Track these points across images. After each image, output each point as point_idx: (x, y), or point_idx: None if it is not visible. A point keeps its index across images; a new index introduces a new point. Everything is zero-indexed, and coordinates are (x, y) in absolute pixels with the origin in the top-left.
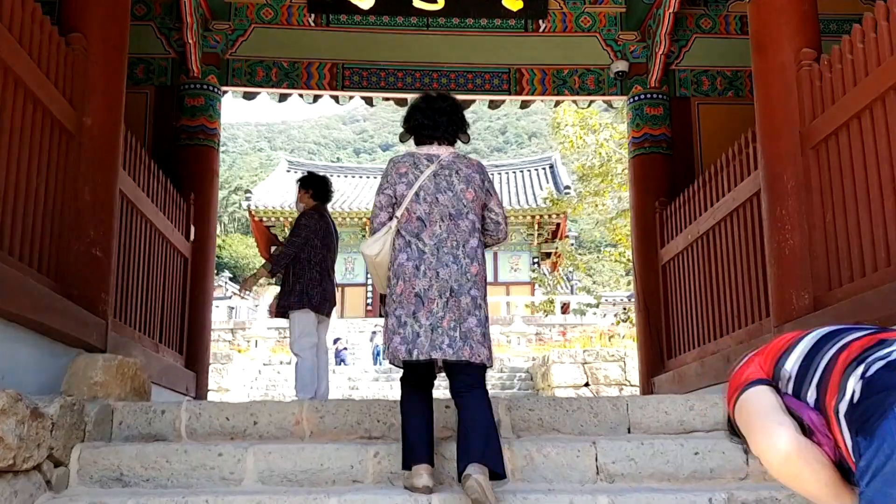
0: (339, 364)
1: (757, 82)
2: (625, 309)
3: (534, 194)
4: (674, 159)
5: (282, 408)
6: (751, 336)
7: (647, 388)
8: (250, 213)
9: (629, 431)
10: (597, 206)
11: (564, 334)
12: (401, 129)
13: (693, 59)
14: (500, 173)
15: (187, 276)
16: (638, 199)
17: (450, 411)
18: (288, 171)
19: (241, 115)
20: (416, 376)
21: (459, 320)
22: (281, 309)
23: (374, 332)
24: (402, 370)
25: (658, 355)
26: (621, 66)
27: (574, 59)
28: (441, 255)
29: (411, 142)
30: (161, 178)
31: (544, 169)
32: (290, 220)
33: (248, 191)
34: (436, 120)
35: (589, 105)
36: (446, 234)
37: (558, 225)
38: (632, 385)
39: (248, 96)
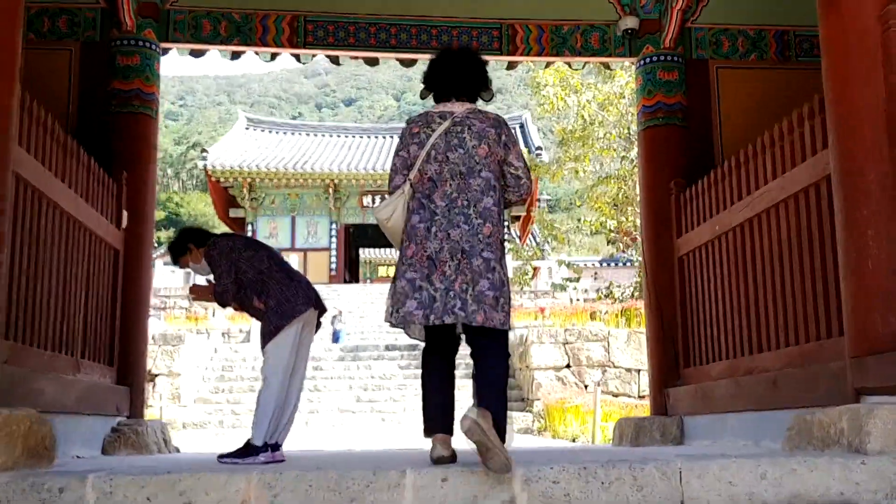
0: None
1: (827, 49)
2: (608, 286)
3: None
4: (689, 132)
5: (223, 483)
6: (807, 358)
7: (661, 399)
8: (206, 172)
9: None
10: (577, 172)
11: (543, 311)
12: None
13: (712, 16)
14: None
15: (118, 271)
16: (649, 178)
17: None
18: (247, 129)
19: (198, 67)
20: (437, 343)
21: (472, 283)
22: (270, 336)
23: (333, 317)
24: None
25: (673, 362)
26: (630, 22)
27: (576, 14)
28: (452, 216)
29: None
30: (82, 157)
31: (514, 129)
32: (248, 180)
33: (203, 149)
34: (453, 76)
35: (583, 66)
36: (457, 192)
37: None
38: (616, 367)
39: (195, 54)
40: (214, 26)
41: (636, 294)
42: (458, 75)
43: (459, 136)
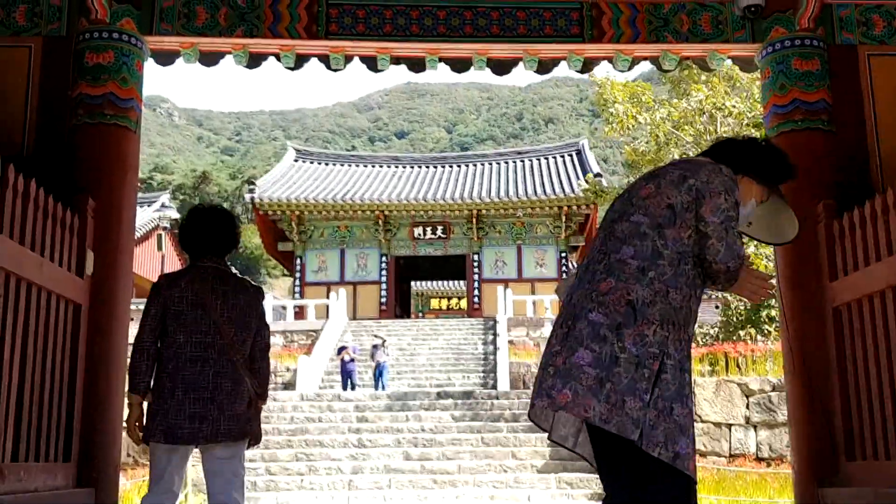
0: (347, 384)
1: None
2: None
3: (560, 183)
4: (836, 139)
5: None
6: None
7: (811, 499)
8: (254, 205)
9: None
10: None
11: None
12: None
13: None
14: (522, 160)
15: (78, 332)
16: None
17: None
18: (295, 161)
19: (254, 102)
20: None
21: (568, 352)
22: (144, 437)
23: (374, 347)
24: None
25: (828, 449)
26: None
27: None
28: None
29: None
30: (15, 185)
31: (570, 155)
32: (296, 212)
33: (251, 182)
34: None
35: (677, 66)
36: (600, 244)
37: (588, 216)
38: (703, 421)
39: (205, 60)
40: (212, 14)
41: (721, 336)
42: None
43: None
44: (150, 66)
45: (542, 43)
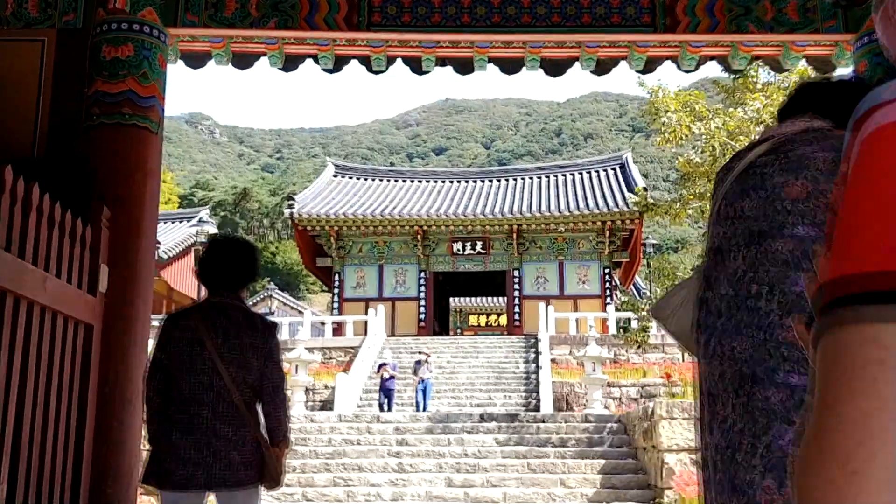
0: (384, 403)
1: None
2: None
3: (603, 197)
4: None
5: None
6: None
7: None
8: (293, 220)
9: None
10: (703, 212)
11: (669, 377)
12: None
13: None
14: (563, 174)
15: (90, 357)
16: None
17: None
18: (335, 177)
19: (294, 120)
20: None
21: (760, 433)
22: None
23: (417, 363)
24: None
25: None
26: None
27: None
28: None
29: None
30: (14, 190)
31: (613, 169)
32: (335, 228)
33: (290, 197)
34: None
35: (746, 63)
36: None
37: (632, 231)
38: None
39: (239, 63)
40: (242, 4)
41: None
42: None
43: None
44: (190, 80)
45: (608, 33)
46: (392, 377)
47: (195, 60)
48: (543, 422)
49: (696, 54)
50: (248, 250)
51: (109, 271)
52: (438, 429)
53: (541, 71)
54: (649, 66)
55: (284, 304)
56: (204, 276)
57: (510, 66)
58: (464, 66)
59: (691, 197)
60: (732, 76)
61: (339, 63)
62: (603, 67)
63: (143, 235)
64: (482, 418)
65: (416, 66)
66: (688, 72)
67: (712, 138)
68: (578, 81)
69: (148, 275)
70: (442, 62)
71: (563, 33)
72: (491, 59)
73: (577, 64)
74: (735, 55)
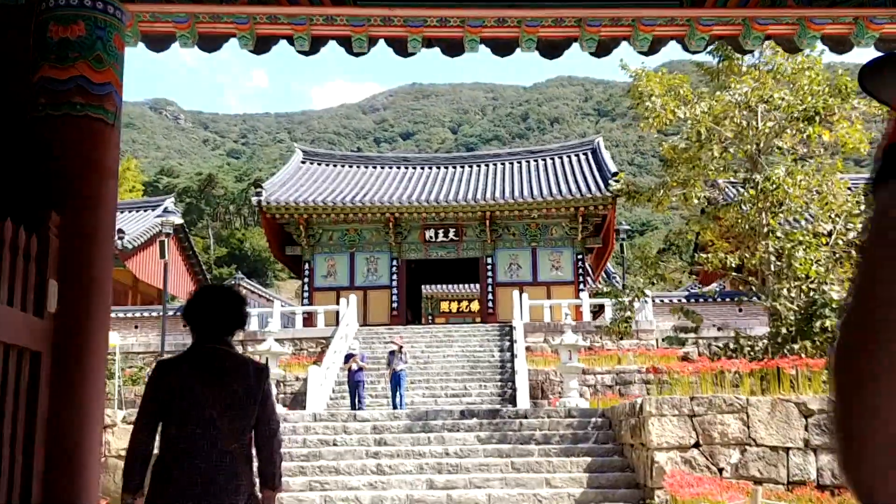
0: (355, 398)
1: None
2: (735, 338)
3: (576, 182)
4: None
5: None
6: None
7: None
8: (260, 209)
9: None
10: (686, 199)
11: (656, 370)
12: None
13: None
14: (535, 160)
15: (37, 390)
16: None
17: None
18: (303, 163)
19: (259, 105)
20: None
21: None
22: None
23: (391, 354)
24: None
25: None
26: None
27: None
28: None
29: None
30: None
31: (585, 154)
32: (304, 216)
33: (257, 184)
34: None
35: (760, 43)
36: None
37: (605, 217)
38: (758, 445)
39: (204, 45)
40: None
41: (770, 350)
42: None
43: None
44: (152, 63)
45: (631, 7)
46: (361, 369)
47: (158, 43)
48: (525, 417)
49: (707, 33)
50: (235, 300)
51: (60, 287)
52: (418, 427)
53: (536, 52)
54: (654, 46)
55: (252, 292)
56: (192, 323)
57: (503, 47)
58: (453, 47)
59: (675, 184)
60: (718, 59)
61: (315, 44)
62: (604, 47)
63: (99, 244)
64: (462, 415)
65: (400, 47)
66: (695, 53)
67: (698, 123)
68: (544, 65)
69: (105, 290)
70: (428, 43)
71: (564, 7)
72: (483, 40)
73: (575, 45)
74: (748, 34)
